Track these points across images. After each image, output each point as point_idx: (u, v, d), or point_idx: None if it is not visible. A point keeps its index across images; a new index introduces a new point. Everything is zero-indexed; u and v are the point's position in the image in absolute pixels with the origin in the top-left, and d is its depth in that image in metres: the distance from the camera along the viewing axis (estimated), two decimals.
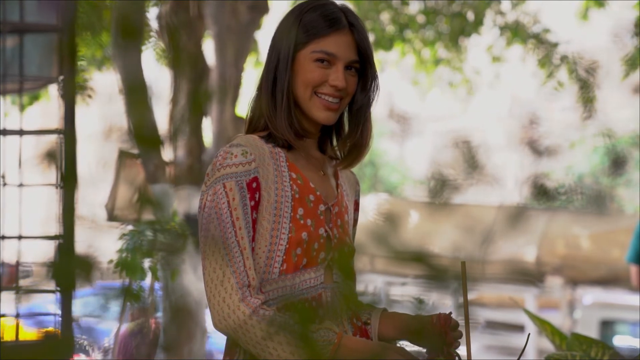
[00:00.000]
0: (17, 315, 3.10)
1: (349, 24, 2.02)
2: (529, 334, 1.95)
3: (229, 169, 1.94)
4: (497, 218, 9.25)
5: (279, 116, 2.00)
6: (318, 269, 1.98)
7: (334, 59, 2.00)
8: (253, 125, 2.06)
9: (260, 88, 2.05)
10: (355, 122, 2.06)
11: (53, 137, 2.81)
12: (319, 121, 2.02)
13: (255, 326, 1.87)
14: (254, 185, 1.94)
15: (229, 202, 1.92)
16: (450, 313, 1.88)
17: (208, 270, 1.93)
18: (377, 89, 2.06)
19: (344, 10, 2.04)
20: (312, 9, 2.02)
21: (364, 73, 2.04)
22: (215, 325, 1.92)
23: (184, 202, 6.60)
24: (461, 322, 1.92)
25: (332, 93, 2.00)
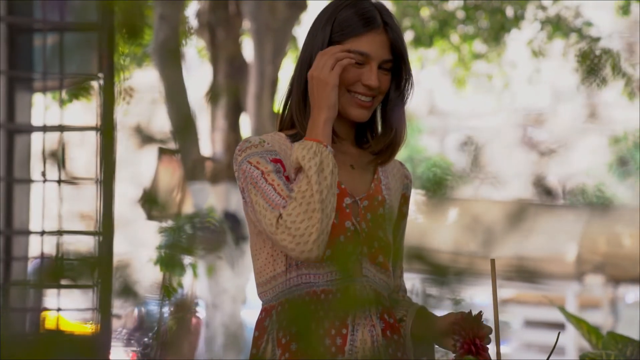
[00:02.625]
0: (58, 309, 3.13)
1: (384, 22, 2.02)
2: (559, 333, 1.94)
3: (249, 150, 1.98)
4: (534, 216, 9.16)
5: (307, 114, 2.01)
6: None
7: (368, 59, 2.00)
8: (282, 123, 2.08)
9: (292, 85, 2.06)
10: (389, 121, 2.06)
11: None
12: (353, 119, 2.03)
13: (295, 207, 1.88)
14: (279, 165, 1.97)
15: (262, 171, 1.95)
16: (481, 312, 1.87)
17: (263, 226, 1.93)
18: (411, 87, 2.06)
19: (379, 8, 2.04)
20: (347, 7, 2.02)
21: (398, 72, 2.05)
22: (274, 235, 1.91)
23: (222, 199, 6.63)
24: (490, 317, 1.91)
25: (365, 92, 2.01)
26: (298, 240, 1.87)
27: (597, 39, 8.04)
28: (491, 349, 1.84)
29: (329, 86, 1.96)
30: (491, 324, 1.85)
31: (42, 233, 3.16)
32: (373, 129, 2.11)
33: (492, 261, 1.71)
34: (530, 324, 8.63)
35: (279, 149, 2.00)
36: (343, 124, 2.06)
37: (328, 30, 2.01)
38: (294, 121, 2.04)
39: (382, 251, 2.03)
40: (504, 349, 8.91)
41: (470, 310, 1.86)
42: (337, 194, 1.99)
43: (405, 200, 2.14)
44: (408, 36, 8.12)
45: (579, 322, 2.48)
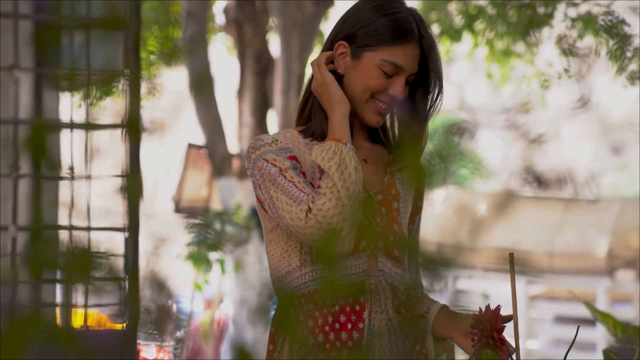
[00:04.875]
0: (86, 305, 3.15)
1: (420, 35, 2.02)
2: (578, 326, 1.92)
3: (263, 148, 1.98)
4: (566, 211, 9.11)
5: (323, 108, 2.03)
6: (360, 256, 1.99)
7: (400, 71, 2.00)
8: (301, 117, 2.09)
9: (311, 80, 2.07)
10: (414, 133, 2.06)
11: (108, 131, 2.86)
12: (369, 124, 2.06)
13: (325, 202, 1.88)
14: (295, 161, 1.97)
15: (280, 168, 1.95)
16: (499, 306, 1.86)
17: (285, 221, 1.93)
18: (441, 102, 2.06)
19: (416, 18, 2.03)
20: (386, 13, 2.01)
21: (426, 83, 2.04)
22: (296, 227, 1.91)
23: (250, 195, 6.65)
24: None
25: (387, 101, 2.01)
26: (331, 235, 1.88)
27: (629, 36, 7.94)
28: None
29: (328, 85, 1.98)
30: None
31: (71, 228, 3.17)
32: (384, 125, 2.11)
33: (511, 255, 1.70)
34: (561, 319, 8.58)
35: (292, 146, 2.00)
36: (356, 120, 2.06)
37: (362, 32, 2.00)
38: (310, 114, 2.05)
39: (397, 245, 2.03)
40: (533, 344, 8.87)
41: (489, 305, 1.86)
42: None
43: (419, 194, 2.14)
44: (435, 30, 8.09)
45: (604, 317, 2.47)
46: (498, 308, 1.85)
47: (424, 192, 2.15)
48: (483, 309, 1.82)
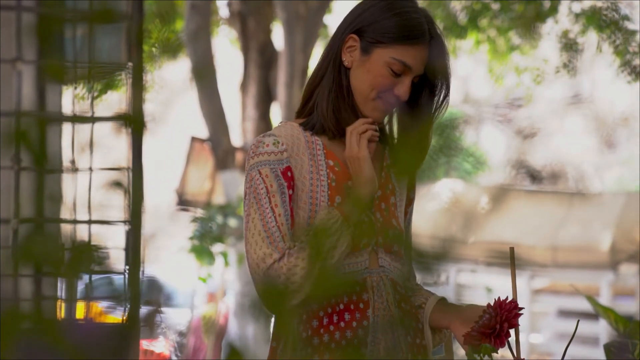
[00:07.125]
0: (88, 298, 3.16)
1: (430, 37, 2.01)
2: (578, 320, 1.92)
3: (262, 157, 1.97)
4: (571, 206, 9.10)
5: (327, 100, 2.02)
6: (361, 253, 1.99)
7: (407, 71, 1.99)
8: (302, 109, 2.08)
9: (319, 68, 2.06)
10: (419, 136, 2.06)
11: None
12: (372, 120, 2.03)
13: (300, 269, 1.89)
14: (289, 174, 1.97)
15: (267, 188, 1.95)
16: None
17: (248, 247, 1.95)
18: (447, 105, 2.05)
19: (428, 20, 2.03)
20: (399, 12, 2.00)
21: (432, 85, 2.03)
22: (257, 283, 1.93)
23: None
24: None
25: (391, 100, 2.01)
26: (280, 297, 1.88)
27: (633, 32, 7.95)
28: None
29: (361, 160, 1.97)
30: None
31: (75, 222, 3.17)
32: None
33: (512, 249, 1.69)
34: (564, 313, 8.58)
35: (292, 147, 1.99)
36: (356, 116, 2.05)
37: (375, 27, 2.00)
38: (313, 106, 2.05)
39: (396, 240, 2.03)
40: (536, 338, 8.86)
41: (515, 298, 1.83)
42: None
43: (411, 185, 2.14)
44: (438, 26, 8.07)
45: (606, 311, 2.47)
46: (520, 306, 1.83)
47: (416, 183, 2.15)
48: (507, 299, 1.80)
